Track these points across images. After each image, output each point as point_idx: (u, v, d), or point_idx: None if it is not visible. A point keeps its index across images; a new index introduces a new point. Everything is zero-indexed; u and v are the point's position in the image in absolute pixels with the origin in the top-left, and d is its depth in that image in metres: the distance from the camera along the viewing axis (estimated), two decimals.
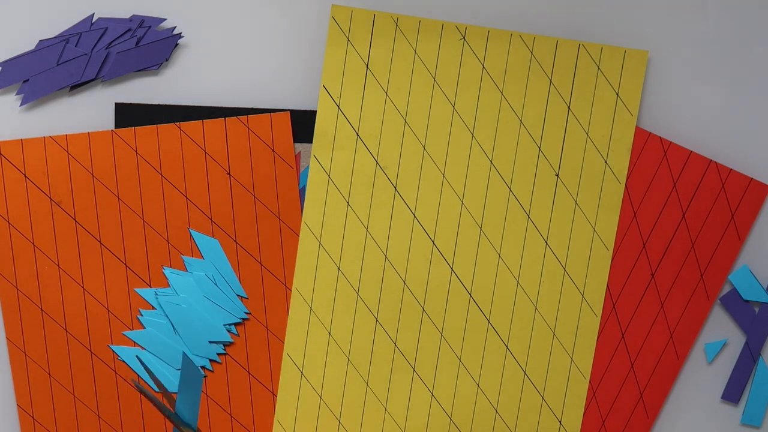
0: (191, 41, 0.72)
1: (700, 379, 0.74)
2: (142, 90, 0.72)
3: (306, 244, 0.71)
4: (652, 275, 0.73)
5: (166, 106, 0.71)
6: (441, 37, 0.71)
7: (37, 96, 0.71)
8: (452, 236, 0.72)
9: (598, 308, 0.72)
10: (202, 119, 0.71)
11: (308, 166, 0.71)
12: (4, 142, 0.69)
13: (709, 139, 0.73)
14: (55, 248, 0.70)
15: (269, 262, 0.71)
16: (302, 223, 0.71)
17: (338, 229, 0.71)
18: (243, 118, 0.70)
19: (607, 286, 0.73)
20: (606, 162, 0.72)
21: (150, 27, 0.71)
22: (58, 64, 0.70)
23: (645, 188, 0.72)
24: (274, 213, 0.70)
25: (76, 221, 0.70)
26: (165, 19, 0.71)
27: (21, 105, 0.71)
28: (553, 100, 0.72)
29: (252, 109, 0.71)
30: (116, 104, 0.71)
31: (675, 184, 0.72)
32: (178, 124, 0.69)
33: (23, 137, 0.71)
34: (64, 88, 0.71)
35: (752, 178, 0.72)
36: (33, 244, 0.70)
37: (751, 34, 0.73)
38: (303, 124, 0.72)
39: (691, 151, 0.72)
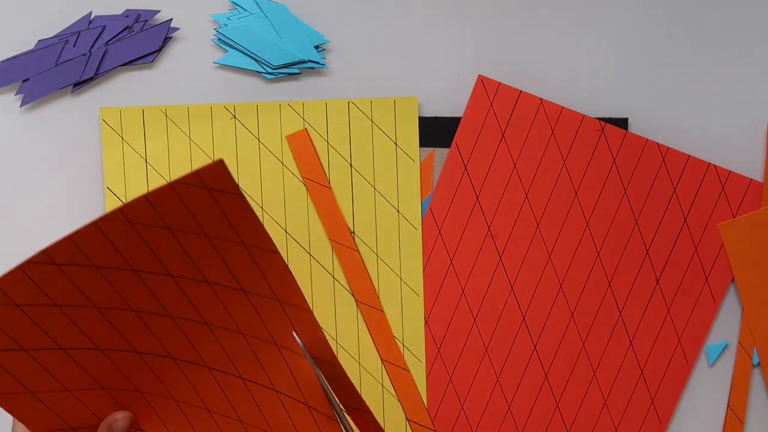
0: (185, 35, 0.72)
1: (704, 382, 0.74)
2: (141, 88, 0.72)
3: None
4: (657, 281, 0.73)
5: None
6: (212, 120, 0.72)
7: (37, 96, 0.71)
8: None
9: (421, 354, 0.74)
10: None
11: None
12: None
13: (706, 141, 0.73)
14: None
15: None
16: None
17: None
18: None
19: (613, 294, 0.73)
20: (398, 211, 0.73)
21: (146, 21, 0.71)
22: (56, 65, 0.71)
23: (645, 195, 0.72)
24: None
25: None
26: (159, 11, 0.72)
27: (21, 105, 0.71)
28: (335, 160, 0.73)
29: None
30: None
31: (675, 188, 0.72)
32: None
33: (23, 137, 0.72)
34: (64, 88, 0.71)
35: (752, 179, 0.72)
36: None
37: (751, 34, 0.73)
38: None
39: (690, 155, 0.72)
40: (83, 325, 0.57)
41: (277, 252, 0.56)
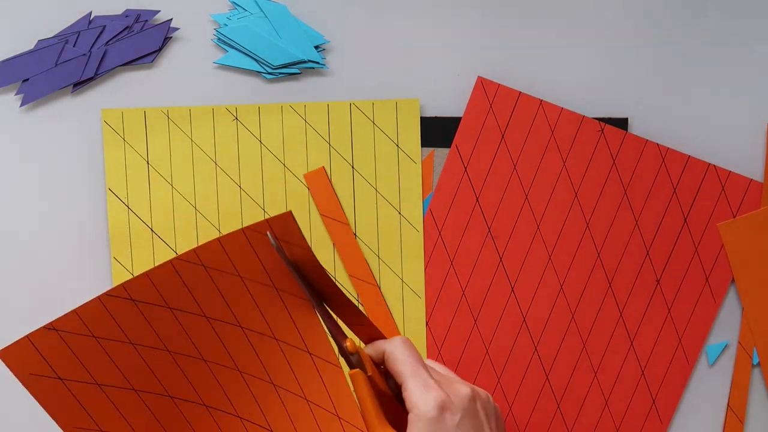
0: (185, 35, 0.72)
1: (704, 382, 0.74)
2: (141, 88, 0.72)
3: None
4: (657, 281, 0.73)
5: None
6: (214, 121, 0.72)
7: (37, 96, 0.71)
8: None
9: (422, 356, 0.73)
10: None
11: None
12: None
13: (706, 141, 0.73)
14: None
15: None
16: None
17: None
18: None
19: (614, 294, 0.73)
20: (400, 213, 0.73)
21: (146, 21, 0.71)
22: (56, 65, 0.70)
23: (645, 196, 0.72)
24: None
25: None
26: (159, 11, 0.72)
27: (21, 105, 0.71)
28: (336, 162, 0.73)
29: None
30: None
31: (675, 189, 0.72)
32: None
33: (23, 137, 0.72)
34: (64, 88, 0.71)
35: (752, 179, 0.72)
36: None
37: (751, 34, 0.73)
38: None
39: (689, 156, 0.72)
40: (156, 368, 0.57)
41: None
